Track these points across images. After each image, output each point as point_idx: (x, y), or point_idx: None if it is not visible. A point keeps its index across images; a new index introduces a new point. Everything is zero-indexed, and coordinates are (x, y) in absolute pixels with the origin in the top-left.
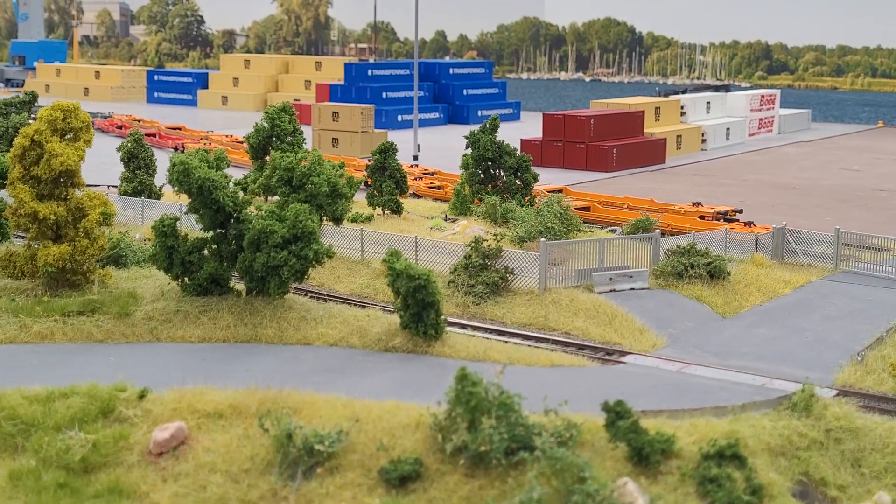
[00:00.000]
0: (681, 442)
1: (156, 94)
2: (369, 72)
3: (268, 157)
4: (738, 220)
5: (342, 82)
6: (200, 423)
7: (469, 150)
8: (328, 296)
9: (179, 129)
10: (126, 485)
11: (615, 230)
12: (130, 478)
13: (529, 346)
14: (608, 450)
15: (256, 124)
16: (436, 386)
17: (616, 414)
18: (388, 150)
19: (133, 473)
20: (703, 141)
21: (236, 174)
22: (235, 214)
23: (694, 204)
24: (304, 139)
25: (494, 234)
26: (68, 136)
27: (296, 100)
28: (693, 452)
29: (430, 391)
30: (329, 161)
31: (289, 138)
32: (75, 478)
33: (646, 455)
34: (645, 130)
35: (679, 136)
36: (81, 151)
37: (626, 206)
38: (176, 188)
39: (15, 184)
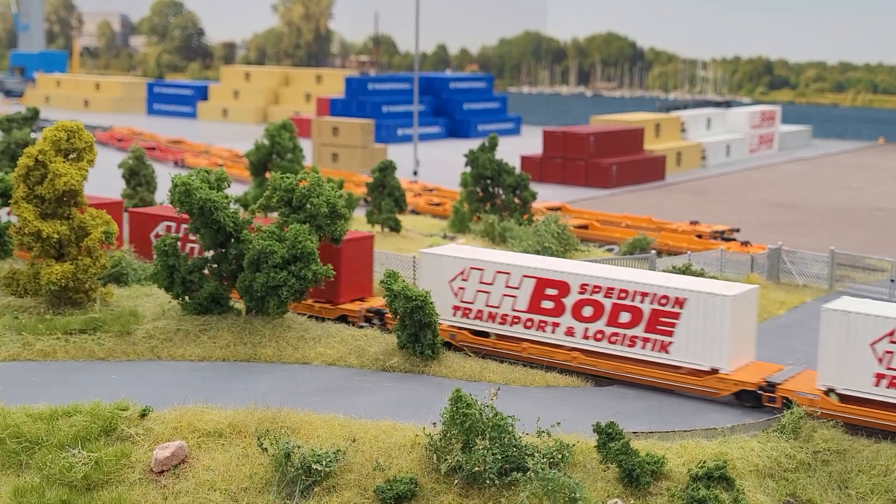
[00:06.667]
0: (670, 463)
1: (156, 107)
2: (369, 86)
3: (268, 174)
4: (734, 240)
5: (342, 96)
6: (200, 441)
7: (468, 169)
8: None
9: (180, 142)
10: (128, 502)
11: (612, 249)
12: (132, 495)
13: (525, 366)
14: (599, 471)
15: (257, 141)
16: (432, 406)
17: (607, 435)
18: (387, 169)
19: (134, 491)
20: (703, 158)
21: (236, 190)
22: (236, 234)
23: (692, 222)
24: (304, 156)
25: None
26: (72, 156)
27: (296, 113)
28: (682, 474)
29: (426, 411)
30: (329, 180)
31: (289, 155)
32: (78, 495)
33: (636, 476)
34: (645, 147)
35: (679, 153)
36: (85, 171)
37: (624, 225)
38: (177, 208)
39: (19, 203)
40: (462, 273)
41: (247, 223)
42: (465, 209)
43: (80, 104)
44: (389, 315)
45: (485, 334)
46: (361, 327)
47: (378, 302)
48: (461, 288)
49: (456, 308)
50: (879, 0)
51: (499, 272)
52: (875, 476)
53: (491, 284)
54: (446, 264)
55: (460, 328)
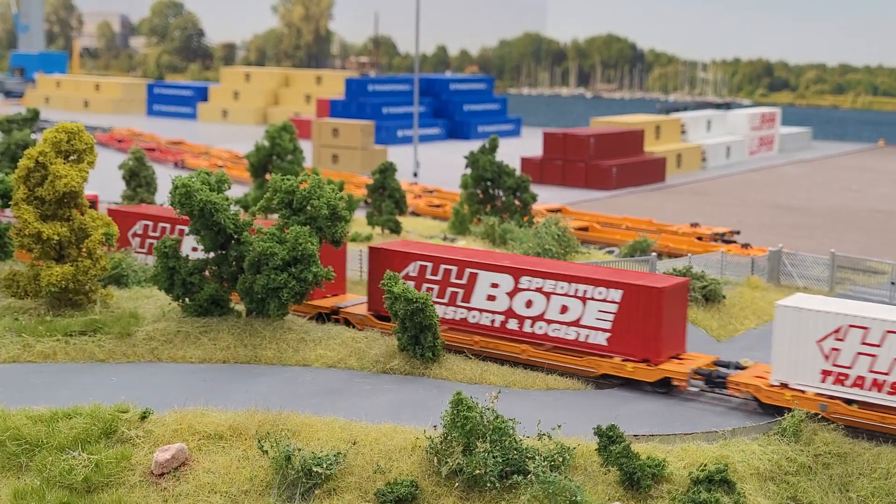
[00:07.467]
0: (671, 466)
1: (155, 107)
2: (369, 87)
3: (268, 176)
4: (735, 242)
5: (342, 97)
6: (201, 444)
7: (468, 170)
8: None
9: (180, 143)
10: None
11: (613, 251)
12: (132, 498)
13: (525, 369)
14: (600, 474)
15: (257, 143)
16: (433, 408)
17: (608, 438)
18: (387, 170)
19: (135, 494)
20: (704, 160)
21: (237, 191)
22: (236, 236)
23: (692, 225)
24: (304, 158)
25: None
26: (72, 158)
27: (296, 114)
28: (683, 477)
29: (427, 413)
30: (329, 181)
31: (289, 157)
32: (78, 497)
33: (637, 479)
34: (645, 149)
35: (679, 155)
36: (85, 173)
37: (624, 227)
38: (178, 210)
39: (19, 204)
40: (837, 332)
41: (247, 225)
42: (466, 211)
43: (79, 105)
44: (736, 378)
45: (849, 402)
46: (690, 392)
47: (702, 360)
48: (834, 349)
49: (825, 373)
50: (879, 0)
51: (890, 332)
52: (876, 479)
53: (879, 346)
54: (814, 320)
55: (832, 397)
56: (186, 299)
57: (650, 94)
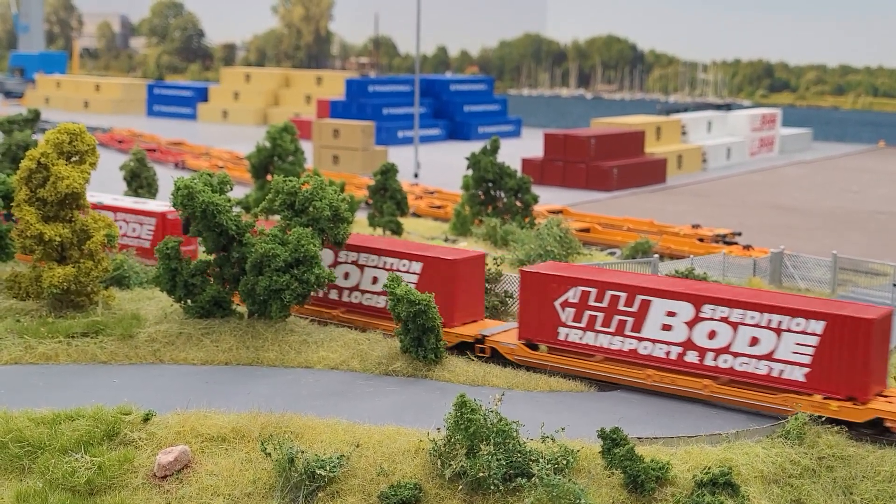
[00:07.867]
0: (675, 469)
1: (155, 108)
2: (370, 88)
3: (269, 177)
4: (736, 243)
5: (343, 98)
6: (204, 446)
7: (470, 171)
8: None
9: (180, 144)
10: None
11: (614, 252)
12: (135, 500)
13: (528, 371)
14: (604, 477)
15: (258, 144)
16: (436, 410)
17: (612, 441)
18: (388, 171)
19: (137, 496)
20: (704, 161)
21: (237, 192)
22: (238, 238)
23: (693, 226)
24: (305, 159)
25: (494, 258)
26: (74, 159)
27: (296, 115)
28: (687, 480)
29: (430, 416)
30: (331, 182)
31: (290, 158)
32: (81, 500)
33: (641, 482)
34: (646, 150)
35: (680, 156)
36: (87, 174)
37: (625, 228)
38: (180, 211)
39: (21, 206)
40: None
41: (249, 226)
42: (467, 212)
43: (79, 105)
44: None
45: None
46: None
47: None
48: None
49: None
50: (879, 0)
51: None
52: (879, 482)
53: None
54: None
55: None
56: (188, 301)
57: (650, 95)
